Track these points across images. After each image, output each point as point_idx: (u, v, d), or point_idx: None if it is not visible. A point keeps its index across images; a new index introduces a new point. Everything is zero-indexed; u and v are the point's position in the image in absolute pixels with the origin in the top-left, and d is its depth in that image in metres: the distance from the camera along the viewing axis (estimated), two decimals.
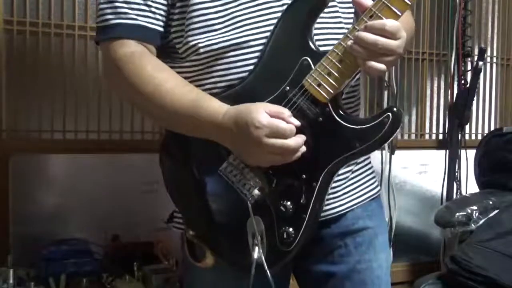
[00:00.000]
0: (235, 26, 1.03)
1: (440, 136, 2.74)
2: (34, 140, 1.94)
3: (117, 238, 1.98)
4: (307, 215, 1.01)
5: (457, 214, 2.13)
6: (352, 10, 1.13)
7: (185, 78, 1.06)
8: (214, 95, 1.03)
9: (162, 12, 1.05)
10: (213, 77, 1.05)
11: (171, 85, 1.02)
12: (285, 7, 1.03)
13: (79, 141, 1.99)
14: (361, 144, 0.98)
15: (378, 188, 1.21)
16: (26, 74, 1.92)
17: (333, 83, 0.97)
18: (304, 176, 1.00)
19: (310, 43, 1.00)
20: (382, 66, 0.94)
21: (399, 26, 0.95)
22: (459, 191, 2.62)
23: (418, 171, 2.70)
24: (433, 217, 2.20)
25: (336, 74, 0.97)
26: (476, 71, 2.54)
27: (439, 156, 2.65)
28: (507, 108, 2.92)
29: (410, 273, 2.55)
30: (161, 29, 1.06)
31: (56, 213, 1.96)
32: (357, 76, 1.07)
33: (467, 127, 2.68)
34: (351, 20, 1.12)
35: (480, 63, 2.52)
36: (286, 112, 0.96)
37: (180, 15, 1.05)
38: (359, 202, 1.14)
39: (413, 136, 2.69)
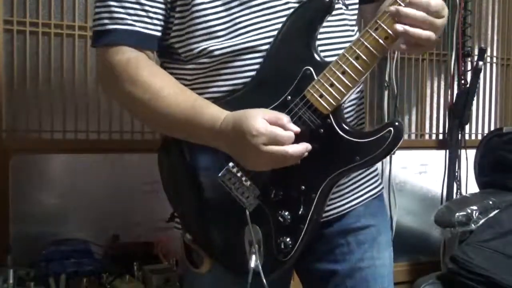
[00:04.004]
0: (241, 31, 1.00)
1: (440, 136, 2.74)
2: (34, 140, 1.94)
3: (117, 238, 1.98)
4: (305, 226, 1.00)
5: (457, 214, 2.13)
6: (356, 12, 1.11)
7: (187, 80, 1.05)
8: (216, 99, 1.01)
9: (159, 17, 1.03)
10: (217, 81, 1.03)
11: (168, 92, 1.00)
12: (291, 10, 1.00)
13: (79, 141, 1.99)
14: (361, 158, 0.97)
15: (381, 186, 1.20)
16: (26, 74, 1.92)
17: (336, 94, 0.96)
18: (303, 187, 1.00)
19: (314, 52, 0.99)
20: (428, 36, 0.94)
21: (443, 4, 0.95)
22: (459, 191, 2.62)
23: (418, 171, 2.70)
24: (433, 217, 2.20)
25: (339, 86, 0.96)
26: (476, 71, 2.54)
27: (439, 156, 2.65)
28: (507, 108, 2.92)
29: (410, 273, 2.55)
30: (158, 33, 1.03)
31: (56, 213, 1.96)
32: (359, 89, 1.06)
33: (467, 127, 2.67)
34: (355, 23, 1.11)
35: (480, 63, 2.52)
36: (284, 118, 0.94)
37: (180, 19, 1.03)
38: (362, 201, 1.13)
39: (413, 136, 2.69)
